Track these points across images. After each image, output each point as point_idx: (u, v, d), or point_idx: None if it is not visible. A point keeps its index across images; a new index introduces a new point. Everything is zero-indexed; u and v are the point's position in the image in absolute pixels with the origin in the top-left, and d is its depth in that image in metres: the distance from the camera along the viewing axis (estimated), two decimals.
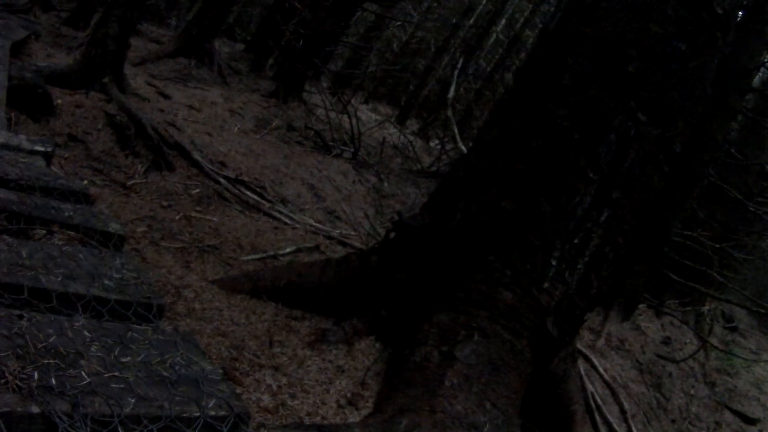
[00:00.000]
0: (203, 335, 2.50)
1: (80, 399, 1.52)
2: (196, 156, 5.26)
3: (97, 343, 1.79)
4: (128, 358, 1.78)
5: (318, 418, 2.28)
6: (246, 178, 5.51)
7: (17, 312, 1.79)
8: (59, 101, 4.76)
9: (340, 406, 2.41)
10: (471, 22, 16.29)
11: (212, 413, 1.69)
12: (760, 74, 8.49)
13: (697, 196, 6.00)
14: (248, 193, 5.24)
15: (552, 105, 2.99)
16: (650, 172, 3.01)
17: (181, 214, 4.06)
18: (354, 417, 2.38)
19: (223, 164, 5.59)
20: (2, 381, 1.47)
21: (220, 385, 1.83)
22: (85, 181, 3.87)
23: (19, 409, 1.42)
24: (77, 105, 4.90)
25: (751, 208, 6.44)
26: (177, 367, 1.83)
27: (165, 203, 4.20)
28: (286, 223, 4.90)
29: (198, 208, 4.38)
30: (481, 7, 16.32)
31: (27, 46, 6.57)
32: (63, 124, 4.59)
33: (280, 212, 5.13)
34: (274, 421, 2.15)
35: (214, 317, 2.72)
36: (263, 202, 5.23)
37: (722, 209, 6.85)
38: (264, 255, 3.90)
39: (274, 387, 2.35)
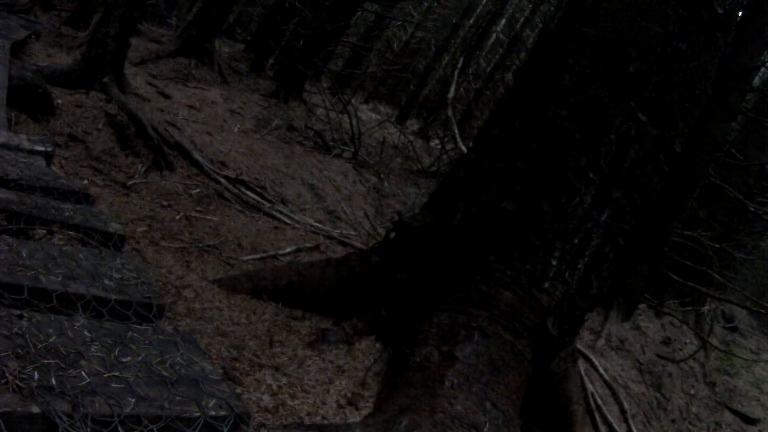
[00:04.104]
0: (203, 335, 2.50)
1: (80, 399, 1.52)
2: (196, 156, 5.26)
3: (97, 343, 1.79)
4: (128, 358, 1.78)
5: (318, 418, 2.28)
6: (246, 178, 5.51)
7: (17, 312, 1.79)
8: (59, 101, 4.76)
9: (340, 406, 2.41)
10: (471, 22, 16.29)
11: (212, 413, 1.69)
12: (760, 74, 8.50)
13: (697, 196, 6.00)
14: (248, 193, 5.24)
15: (552, 105, 2.99)
16: (650, 172, 3.01)
17: (181, 214, 4.06)
18: (354, 417, 2.38)
19: (223, 164, 5.59)
20: (2, 381, 1.47)
21: (220, 385, 1.83)
22: (85, 181, 3.87)
23: (19, 409, 1.42)
24: (77, 105, 4.90)
25: (751, 208, 6.44)
26: (177, 367, 1.83)
27: (165, 203, 4.20)
28: (286, 223, 4.90)
29: (198, 208, 4.38)
30: (481, 7, 16.33)
31: (27, 46, 6.57)
32: (63, 123, 4.59)
33: (281, 212, 5.13)
34: (274, 421, 2.15)
35: (215, 317, 2.72)
36: (263, 202, 5.23)
37: (722, 209, 6.85)
38: (264, 255, 3.90)
39: (274, 387, 2.35)
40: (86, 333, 1.82)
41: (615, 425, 3.75)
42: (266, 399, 2.26)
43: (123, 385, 1.64)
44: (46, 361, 1.60)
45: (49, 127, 4.46)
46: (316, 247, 4.42)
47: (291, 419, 2.20)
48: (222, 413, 1.71)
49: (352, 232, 5.55)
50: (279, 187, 5.92)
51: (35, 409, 1.43)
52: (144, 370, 1.75)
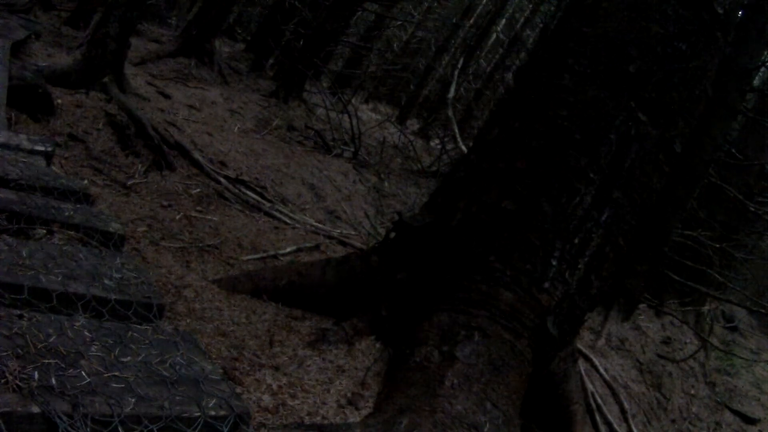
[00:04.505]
0: (203, 335, 2.50)
1: (80, 399, 1.52)
2: (197, 156, 5.26)
3: (97, 343, 1.79)
4: (128, 358, 1.78)
5: (318, 418, 2.28)
6: (246, 178, 5.51)
7: (17, 312, 1.79)
8: (59, 101, 4.76)
9: (340, 406, 2.41)
10: (471, 22, 16.31)
11: (212, 413, 1.69)
12: (760, 74, 8.50)
13: (697, 196, 6.01)
14: (248, 192, 5.24)
15: (552, 105, 2.99)
16: (650, 172, 3.01)
17: (182, 213, 4.06)
18: (354, 417, 2.38)
19: (223, 164, 5.60)
20: (2, 381, 1.47)
21: (220, 385, 1.83)
22: (86, 181, 3.86)
23: (19, 409, 1.42)
24: (77, 105, 4.90)
25: (751, 208, 6.45)
26: (177, 367, 1.83)
27: (165, 203, 4.20)
28: (286, 223, 4.90)
29: (198, 208, 4.38)
30: (481, 7, 16.35)
31: (27, 46, 6.56)
32: (63, 123, 4.59)
33: (281, 212, 5.13)
34: (274, 421, 2.15)
35: (215, 317, 2.72)
36: (263, 201, 5.23)
37: (722, 209, 6.85)
38: (264, 255, 3.90)
39: (275, 387, 2.35)
40: (86, 333, 1.82)
41: (615, 425, 3.75)
42: (266, 399, 2.26)
43: (123, 385, 1.64)
44: (46, 361, 1.60)
45: (49, 127, 4.46)
46: (316, 247, 4.43)
47: (291, 419, 2.20)
48: (222, 413, 1.71)
49: (352, 232, 5.55)
50: (279, 186, 5.92)
51: (35, 409, 1.43)
52: (144, 370, 1.75)
